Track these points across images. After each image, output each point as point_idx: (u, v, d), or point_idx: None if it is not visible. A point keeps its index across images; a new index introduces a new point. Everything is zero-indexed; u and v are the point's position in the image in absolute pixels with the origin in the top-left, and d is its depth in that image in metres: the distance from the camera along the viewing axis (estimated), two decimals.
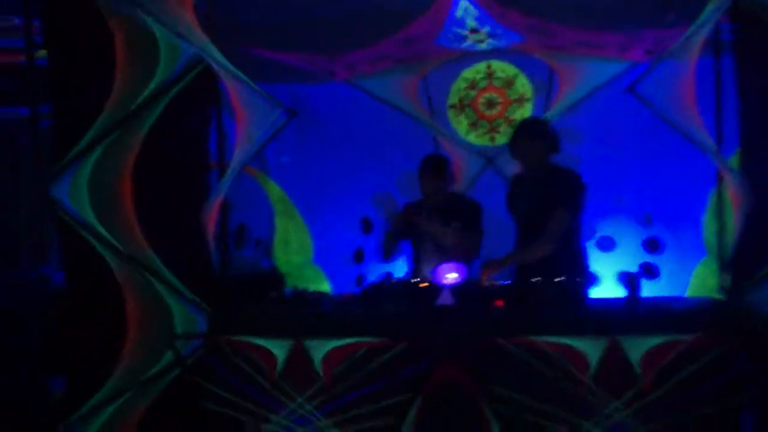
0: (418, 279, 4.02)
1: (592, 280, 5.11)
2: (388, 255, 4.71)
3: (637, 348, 3.26)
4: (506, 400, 3.39)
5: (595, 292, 5.04)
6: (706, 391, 3.21)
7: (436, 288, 3.72)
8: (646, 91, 3.45)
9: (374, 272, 5.86)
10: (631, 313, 3.50)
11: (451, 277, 3.70)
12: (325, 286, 5.73)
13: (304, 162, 5.99)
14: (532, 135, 4.28)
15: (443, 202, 4.57)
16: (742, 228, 3.37)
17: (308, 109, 5.88)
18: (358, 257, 5.97)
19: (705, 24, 3.30)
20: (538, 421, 3.37)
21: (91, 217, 3.91)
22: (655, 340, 3.25)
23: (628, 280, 3.75)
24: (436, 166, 4.57)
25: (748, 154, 3.39)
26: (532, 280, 3.86)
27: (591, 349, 3.31)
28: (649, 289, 5.30)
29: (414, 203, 4.73)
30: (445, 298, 3.64)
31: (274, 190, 5.81)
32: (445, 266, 3.76)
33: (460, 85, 5.65)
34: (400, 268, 5.17)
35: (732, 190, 3.50)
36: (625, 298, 3.70)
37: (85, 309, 3.96)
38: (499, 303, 3.64)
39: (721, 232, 3.80)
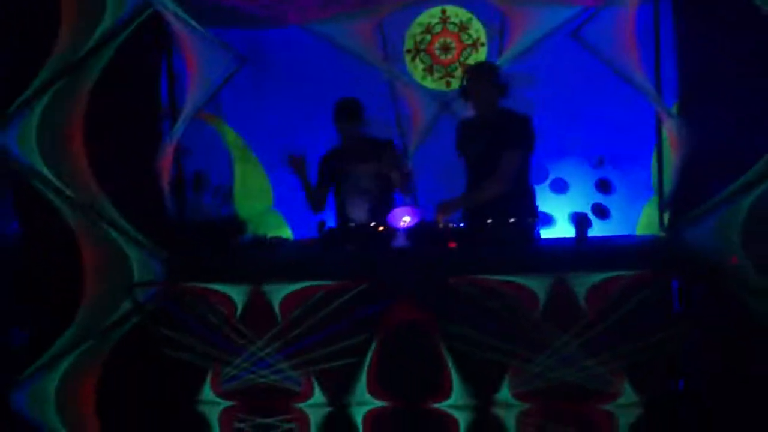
0: (375, 223, 4.08)
1: (543, 220, 5.25)
2: (318, 208, 4.76)
3: (582, 284, 3.38)
4: (460, 338, 3.50)
5: (549, 232, 5.20)
6: (648, 322, 3.34)
7: (392, 231, 3.79)
8: (590, 37, 3.50)
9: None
10: (576, 252, 3.61)
11: (406, 220, 3.76)
12: (287, 232, 5.77)
13: (261, 107, 5.96)
14: (482, 78, 4.32)
15: (359, 144, 4.63)
16: (679, 169, 3.48)
17: (264, 55, 5.84)
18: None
19: None
20: (491, 357, 3.49)
21: (41, 166, 3.91)
22: (598, 277, 3.37)
23: (578, 220, 3.84)
24: (349, 110, 4.63)
25: (686, 98, 3.48)
26: (486, 221, 3.97)
27: (539, 286, 3.42)
28: (600, 229, 5.49)
29: (331, 150, 4.79)
30: (400, 241, 3.71)
31: (231, 135, 5.78)
32: (398, 210, 3.82)
33: (415, 30, 5.63)
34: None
35: (671, 133, 3.59)
36: (574, 237, 3.80)
37: (41, 260, 3.97)
38: (452, 244, 3.72)
39: (660, 173, 3.90)
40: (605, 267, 3.42)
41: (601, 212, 5.60)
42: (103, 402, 3.91)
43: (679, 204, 3.57)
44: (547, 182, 5.56)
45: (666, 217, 3.73)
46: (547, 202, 5.44)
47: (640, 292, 3.35)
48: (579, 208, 5.56)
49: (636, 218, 5.31)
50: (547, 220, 5.42)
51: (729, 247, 3.47)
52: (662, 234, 3.71)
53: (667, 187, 3.76)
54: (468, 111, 4.70)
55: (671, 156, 3.61)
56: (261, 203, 5.79)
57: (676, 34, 3.53)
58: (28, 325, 4.13)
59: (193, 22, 3.75)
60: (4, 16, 3.94)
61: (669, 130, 3.61)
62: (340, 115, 4.59)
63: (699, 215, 3.48)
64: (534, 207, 4.50)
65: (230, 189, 5.75)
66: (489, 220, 3.95)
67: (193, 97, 3.88)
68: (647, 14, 3.68)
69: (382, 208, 4.31)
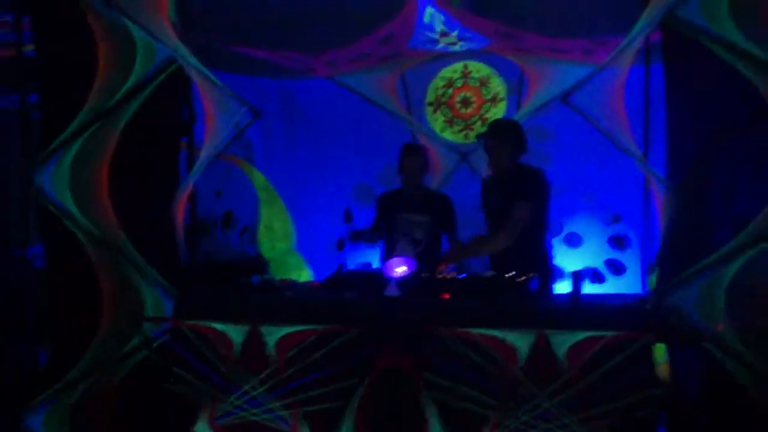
0: (377, 271, 4.25)
1: (556, 275, 5.33)
2: (372, 242, 4.94)
3: (563, 342, 3.46)
4: (444, 388, 3.60)
5: (560, 287, 5.27)
6: (627, 382, 3.40)
7: (389, 279, 3.95)
8: (582, 100, 3.63)
9: (354, 261, 6.14)
10: (560, 310, 3.70)
11: (400, 270, 3.92)
12: (306, 274, 5.99)
13: (290, 153, 6.25)
14: (500, 135, 4.45)
15: (419, 196, 4.80)
16: (666, 232, 3.56)
17: (295, 103, 6.15)
18: (340, 246, 6.24)
19: (637, 36, 3.49)
20: (472, 409, 3.59)
21: (70, 204, 4.20)
22: (580, 336, 3.45)
23: (574, 278, 3.93)
24: (416, 148, 4.87)
25: (674, 162, 3.57)
26: (485, 274, 4.11)
27: (520, 341, 3.51)
28: (614, 285, 5.55)
29: (391, 192, 4.95)
30: (392, 290, 3.87)
31: (258, 178, 6.07)
32: (394, 260, 3.98)
33: (437, 83, 5.86)
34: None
35: (658, 196, 3.68)
36: (569, 294, 3.89)
37: (64, 290, 4.26)
38: (446, 295, 3.86)
39: (647, 235, 3.97)
40: (588, 326, 3.50)
41: (615, 268, 5.66)
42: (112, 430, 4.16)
43: (665, 267, 3.64)
44: (562, 236, 5.66)
45: (652, 278, 3.80)
46: (560, 256, 5.53)
47: (621, 352, 3.42)
48: (592, 263, 5.67)
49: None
50: (560, 273, 5.50)
51: (714, 313, 3.52)
52: (648, 296, 3.78)
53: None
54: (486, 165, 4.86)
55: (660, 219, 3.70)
56: (284, 244, 6.03)
57: (666, 100, 3.64)
58: (51, 349, 4.41)
59: (212, 76, 4.02)
60: (48, 62, 4.29)
61: (657, 193, 3.70)
62: (407, 151, 4.80)
63: (684, 279, 3.54)
64: (547, 261, 4.58)
65: (255, 229, 6.02)
66: (489, 273, 4.10)
67: (209, 146, 4.14)
68: (638, 77, 3.80)
69: (429, 259, 4.38)
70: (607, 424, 3.43)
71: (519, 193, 4.31)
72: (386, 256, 4.81)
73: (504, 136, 4.44)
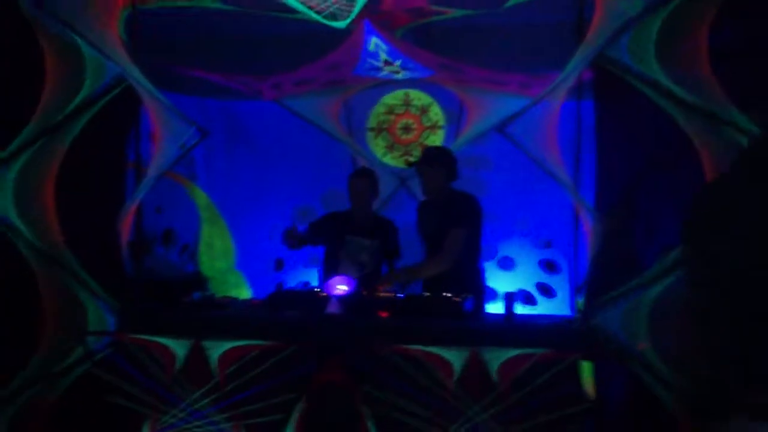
0: (318, 289, 4.37)
1: (490, 296, 5.54)
2: (294, 247, 4.97)
3: (495, 359, 3.65)
4: (382, 402, 3.75)
5: (493, 308, 5.48)
6: (555, 398, 3.60)
7: (328, 298, 4.08)
8: (517, 131, 3.85)
9: (293, 280, 6.24)
10: (493, 328, 3.89)
11: (341, 288, 4.06)
12: (246, 292, 6.06)
13: (233, 172, 6.33)
14: (432, 162, 4.64)
15: (367, 219, 4.94)
16: (593, 257, 3.80)
17: (238, 124, 6.25)
18: (279, 265, 6.33)
19: (570, 73, 3.73)
20: (409, 422, 3.74)
21: (14, 217, 4.20)
22: (511, 353, 3.64)
23: (507, 298, 4.13)
24: (367, 172, 5.01)
25: (602, 192, 3.83)
26: (423, 294, 4.28)
27: (455, 358, 3.69)
28: (545, 307, 5.79)
29: (339, 213, 5.07)
30: (334, 307, 4.00)
31: (200, 197, 6.13)
32: (336, 278, 4.12)
33: (379, 110, 6.05)
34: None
35: (587, 224, 3.92)
36: (503, 314, 4.09)
37: (4, 303, 4.24)
38: (384, 314, 4.01)
39: (576, 260, 4.21)
40: (519, 344, 3.70)
41: (546, 291, 5.91)
42: None
43: (592, 290, 3.87)
44: (495, 260, 5.88)
45: (579, 300, 4.03)
46: (494, 278, 5.75)
47: (549, 369, 3.63)
48: (524, 286, 5.91)
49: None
50: (493, 295, 5.71)
51: (637, 333, 3.76)
52: (576, 317, 4.01)
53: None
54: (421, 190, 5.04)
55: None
56: (224, 262, 6.09)
57: (596, 133, 3.89)
58: None
59: (162, 96, 4.10)
60: None
61: (585, 221, 3.94)
62: (356, 173, 4.95)
63: (608, 301, 3.78)
64: (480, 283, 4.77)
65: (196, 247, 6.07)
66: (425, 294, 4.28)
67: (156, 164, 4.21)
68: (570, 111, 4.04)
69: (371, 282, 4.50)
70: None
71: (454, 220, 4.50)
72: (328, 276, 4.93)
73: (435, 162, 4.62)
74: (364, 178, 4.92)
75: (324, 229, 5.00)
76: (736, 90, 3.33)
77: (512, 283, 5.71)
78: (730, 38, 3.34)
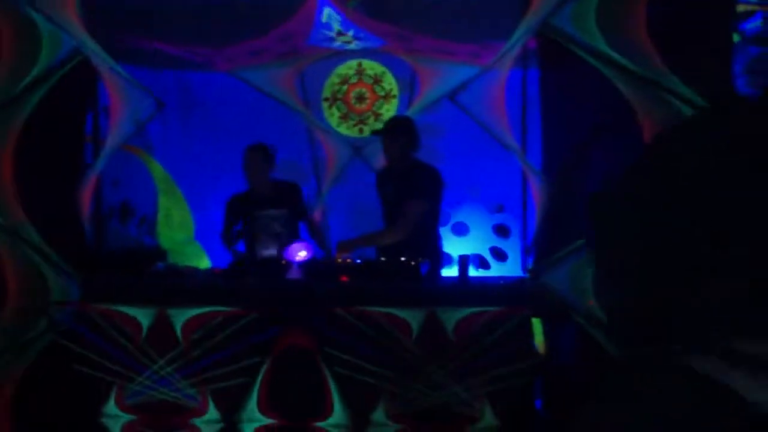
0: (279, 256, 4.49)
1: (446, 261, 5.71)
2: (230, 244, 5.07)
3: (451, 318, 3.83)
4: (343, 362, 3.91)
5: (448, 271, 5.66)
6: (508, 353, 3.80)
7: (290, 264, 4.20)
8: (467, 99, 3.99)
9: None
10: (448, 289, 4.07)
11: (301, 254, 4.19)
12: (205, 263, 6.13)
13: (188, 144, 6.36)
14: (395, 132, 4.74)
15: (269, 190, 4.98)
16: (541, 219, 3.99)
17: (193, 95, 6.27)
18: (238, 235, 6.40)
19: (516, 42, 3.88)
20: (369, 381, 3.91)
21: None
22: (465, 311, 3.82)
23: (461, 261, 4.30)
24: (258, 147, 4.98)
25: (548, 157, 4.00)
26: (380, 259, 4.43)
27: (413, 318, 3.86)
28: (498, 270, 5.99)
29: (240, 194, 5.11)
30: (295, 273, 4.13)
31: (157, 169, 6.16)
32: (295, 245, 4.25)
33: (333, 80, 6.13)
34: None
35: (534, 187, 4.10)
36: (457, 276, 4.26)
37: None
38: (344, 278, 4.15)
39: (525, 222, 4.40)
40: (473, 303, 3.88)
41: (499, 255, 6.11)
42: (17, 413, 4.20)
43: (540, 250, 4.06)
44: (449, 226, 6.05)
45: (529, 260, 4.23)
46: (448, 243, 5.92)
47: (501, 325, 3.82)
48: (478, 251, 6.10)
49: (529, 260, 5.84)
50: (448, 260, 5.88)
51: (583, 290, 3.96)
52: (526, 275, 4.21)
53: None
54: (380, 157, 5.16)
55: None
56: (182, 234, 6.15)
57: (541, 100, 4.05)
58: None
59: (118, 68, 4.14)
60: None
61: (533, 184, 4.12)
62: (251, 158, 4.91)
63: (555, 261, 3.97)
64: (438, 249, 4.93)
65: (154, 220, 6.11)
66: (383, 258, 4.42)
67: (114, 135, 4.26)
68: (517, 79, 4.20)
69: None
70: (489, 391, 3.83)
71: (414, 191, 4.61)
72: (250, 253, 4.96)
73: (398, 132, 4.74)
74: (256, 151, 4.93)
75: (235, 212, 5.06)
76: (673, 58, 3.50)
77: (466, 248, 5.88)
78: (665, 8, 3.50)
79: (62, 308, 4.21)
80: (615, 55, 3.73)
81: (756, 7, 4.30)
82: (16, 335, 4.25)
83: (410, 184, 4.64)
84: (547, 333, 3.98)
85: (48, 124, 4.28)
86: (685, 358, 0.95)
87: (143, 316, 4.03)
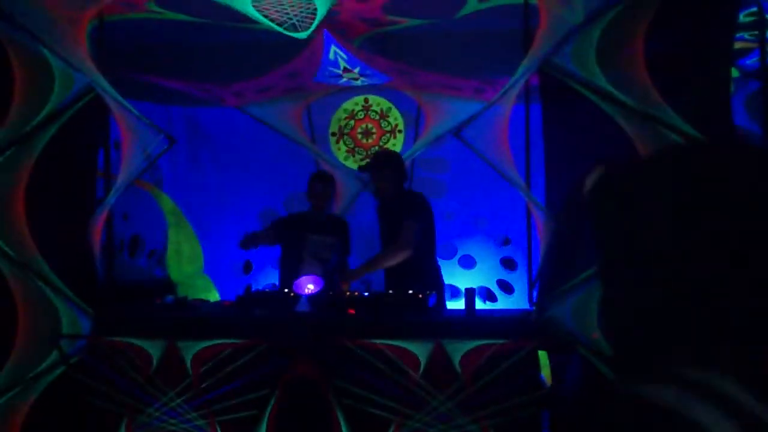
0: (287, 289, 4.55)
1: (453, 293, 5.76)
2: (250, 247, 5.12)
3: (457, 350, 3.87)
4: (351, 394, 3.94)
5: (456, 304, 5.71)
6: (514, 385, 3.83)
7: (299, 296, 4.26)
8: (472, 134, 4.07)
9: (261, 282, 6.39)
10: (455, 322, 4.11)
11: (310, 287, 4.24)
12: (214, 296, 6.20)
13: (198, 178, 6.46)
14: (379, 165, 4.89)
15: (325, 219, 5.15)
16: (545, 253, 4.04)
17: (202, 130, 6.38)
18: (246, 269, 6.48)
19: (519, 79, 3.97)
20: (377, 413, 3.93)
21: None
22: (471, 344, 3.86)
23: (467, 294, 4.35)
24: (326, 175, 5.20)
25: (551, 192, 4.07)
26: (388, 292, 4.49)
27: (420, 350, 3.90)
28: (504, 303, 6.02)
29: (296, 215, 5.26)
30: (303, 306, 4.18)
31: (166, 202, 6.25)
32: (304, 278, 4.30)
33: (340, 115, 6.24)
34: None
35: (538, 222, 4.16)
36: (464, 309, 4.30)
37: None
38: (351, 311, 4.20)
39: (530, 256, 4.45)
40: (480, 335, 3.92)
41: (506, 288, 6.15)
42: None
43: (546, 283, 4.10)
44: (456, 258, 6.11)
45: (534, 293, 4.27)
46: (455, 276, 5.97)
47: (508, 358, 3.85)
48: (485, 284, 6.14)
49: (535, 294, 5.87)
50: (455, 293, 5.93)
51: (587, 323, 4.00)
52: (532, 310, 4.24)
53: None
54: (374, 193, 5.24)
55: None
56: (191, 267, 6.22)
57: (544, 136, 4.13)
58: None
59: (130, 106, 4.24)
60: None
61: (537, 218, 4.18)
62: (315, 177, 5.09)
63: (561, 294, 4.01)
64: (439, 279, 4.99)
65: (163, 252, 6.19)
66: (390, 291, 4.48)
67: (125, 171, 4.34)
68: (520, 115, 4.27)
69: (335, 278, 4.74)
70: (496, 423, 3.85)
71: (406, 214, 4.75)
72: (292, 275, 5.07)
73: (382, 166, 4.86)
74: (325, 181, 5.11)
75: (284, 229, 5.17)
76: (671, 94, 3.58)
77: (473, 281, 5.94)
78: (663, 45, 3.59)
79: (73, 341, 4.26)
80: (615, 92, 3.80)
81: (754, 45, 4.39)
82: (27, 367, 4.30)
83: (402, 209, 4.77)
84: (553, 366, 4.01)
85: (60, 160, 4.36)
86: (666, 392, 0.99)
87: (153, 349, 4.08)
